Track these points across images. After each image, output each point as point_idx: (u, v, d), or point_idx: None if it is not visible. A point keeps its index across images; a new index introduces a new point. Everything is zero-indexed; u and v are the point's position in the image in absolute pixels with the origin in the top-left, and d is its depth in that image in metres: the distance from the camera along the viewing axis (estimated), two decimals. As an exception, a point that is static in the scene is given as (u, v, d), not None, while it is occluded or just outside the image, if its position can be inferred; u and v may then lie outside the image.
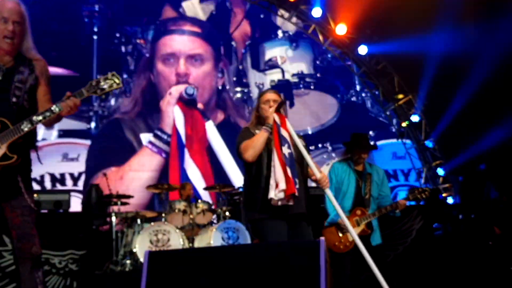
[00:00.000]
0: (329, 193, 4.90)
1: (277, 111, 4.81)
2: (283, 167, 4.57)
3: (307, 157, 4.76)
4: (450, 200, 12.74)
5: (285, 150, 4.65)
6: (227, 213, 8.85)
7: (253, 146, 4.75)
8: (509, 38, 11.03)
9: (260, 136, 4.76)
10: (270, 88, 5.08)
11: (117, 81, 4.08)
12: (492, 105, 12.14)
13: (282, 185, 4.53)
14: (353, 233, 4.96)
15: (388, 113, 13.63)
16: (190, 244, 8.44)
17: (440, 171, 13.10)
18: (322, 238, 3.52)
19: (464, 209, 11.19)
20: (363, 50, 13.04)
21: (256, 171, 4.80)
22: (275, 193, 4.57)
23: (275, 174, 4.58)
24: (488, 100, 12.09)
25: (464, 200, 11.96)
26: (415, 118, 13.14)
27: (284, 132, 4.71)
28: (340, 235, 6.15)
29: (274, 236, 4.60)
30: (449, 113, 12.36)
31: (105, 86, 4.05)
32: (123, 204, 9.08)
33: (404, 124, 13.38)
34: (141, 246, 8.15)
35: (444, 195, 12.86)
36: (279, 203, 4.60)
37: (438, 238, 9.45)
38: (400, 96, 13.20)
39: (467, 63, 11.76)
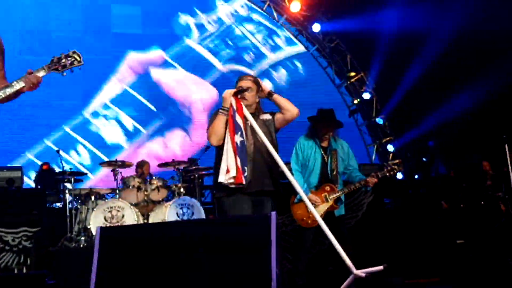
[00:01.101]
0: (291, 177, 4.99)
1: (236, 95, 4.89)
2: (235, 155, 4.69)
3: (269, 146, 4.84)
4: (399, 176, 13.04)
5: (238, 138, 4.78)
6: (181, 190, 8.90)
7: (214, 132, 4.89)
8: (460, 15, 11.25)
9: (218, 121, 4.88)
10: (247, 74, 5.19)
11: (78, 58, 4.12)
12: (442, 83, 12.41)
13: (233, 173, 4.71)
14: (313, 210, 5.09)
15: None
16: (145, 221, 8.47)
17: (390, 148, 13.37)
18: (274, 212, 3.63)
19: (413, 184, 11.47)
20: (316, 27, 13.16)
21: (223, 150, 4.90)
22: (225, 178, 4.73)
23: (228, 160, 4.72)
24: (438, 78, 12.35)
25: (412, 176, 12.26)
26: (366, 96, 13.36)
27: (238, 119, 4.81)
28: (309, 210, 6.28)
29: (237, 213, 4.71)
30: (400, 90, 12.60)
31: (67, 63, 4.08)
32: (77, 181, 9.05)
33: (355, 102, 13.59)
34: (95, 222, 8.16)
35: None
36: (230, 186, 4.77)
37: (388, 212, 9.69)
38: (352, 74, 13.39)
39: (418, 41, 11.97)
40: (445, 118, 12.16)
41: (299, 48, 12.81)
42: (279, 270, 3.48)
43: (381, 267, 4.77)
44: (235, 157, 4.71)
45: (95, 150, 10.46)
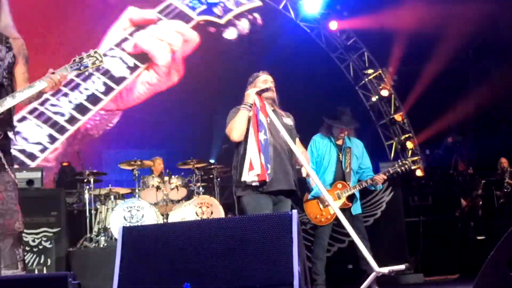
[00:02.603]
0: (310, 170, 5.00)
1: (260, 94, 4.90)
2: (259, 153, 4.70)
3: (291, 143, 4.84)
4: (418, 173, 12.97)
5: (262, 136, 4.78)
6: (200, 189, 8.92)
7: (235, 127, 4.88)
8: (477, 13, 11.19)
9: (241, 116, 4.88)
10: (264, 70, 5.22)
11: (99, 58, 4.14)
12: (460, 79, 12.35)
13: (257, 170, 4.71)
14: (336, 207, 5.08)
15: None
16: (165, 220, 8.51)
17: (409, 144, 13.31)
18: (295, 210, 3.63)
19: (432, 181, 11.40)
20: (333, 25, 13.14)
21: (244, 150, 4.91)
22: (249, 176, 4.74)
23: (252, 158, 4.74)
24: (456, 74, 12.29)
25: (431, 173, 12.19)
26: (384, 93, 13.29)
27: (262, 117, 4.82)
28: (322, 208, 6.27)
29: (256, 211, 4.71)
30: (418, 87, 12.54)
31: (88, 64, 4.10)
32: (96, 181, 9.09)
33: (374, 99, 13.54)
34: (115, 222, 8.20)
35: (412, 167, 13.08)
36: (253, 184, 4.77)
37: (408, 209, 9.63)
38: (370, 71, 13.34)
39: (436, 37, 11.91)
40: (464, 114, 12.09)
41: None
42: (301, 268, 3.48)
43: (403, 266, 4.74)
44: (259, 154, 4.72)
45: (106, 80, 11.95)
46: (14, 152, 4.16)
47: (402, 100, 13.28)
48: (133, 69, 12.20)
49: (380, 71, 13.27)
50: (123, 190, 9.17)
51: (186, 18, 12.76)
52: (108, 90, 11.80)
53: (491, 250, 3.39)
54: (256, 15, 13.33)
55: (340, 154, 6.42)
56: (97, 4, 12.44)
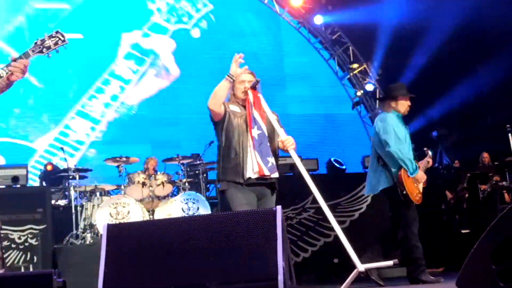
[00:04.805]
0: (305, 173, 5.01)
1: (254, 88, 4.88)
2: (253, 149, 4.76)
3: (278, 129, 4.89)
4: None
5: (255, 132, 4.79)
6: (186, 185, 8.92)
7: (214, 95, 4.80)
8: (460, 7, 11.24)
9: (221, 85, 4.81)
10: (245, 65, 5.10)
11: (61, 37, 3.99)
12: (445, 73, 12.41)
13: (256, 168, 4.75)
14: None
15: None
16: (151, 216, 8.49)
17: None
18: (279, 206, 3.64)
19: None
20: (318, 20, 13.15)
21: (226, 144, 4.90)
22: (249, 173, 4.77)
23: (250, 157, 4.78)
24: (441, 68, 12.35)
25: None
26: (369, 87, 13.33)
27: (256, 113, 4.82)
28: (416, 186, 6.28)
29: (240, 206, 4.71)
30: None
31: (51, 44, 3.97)
32: (81, 178, 9.06)
33: (359, 93, 13.57)
34: (101, 219, 8.18)
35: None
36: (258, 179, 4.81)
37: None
38: (355, 65, 13.37)
39: (420, 32, 11.97)
40: (448, 108, 12.15)
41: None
42: (285, 263, 3.50)
43: (391, 262, 4.72)
44: (254, 151, 4.76)
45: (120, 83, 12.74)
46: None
47: (387, 94, 13.31)
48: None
49: (365, 66, 13.30)
50: (108, 187, 9.14)
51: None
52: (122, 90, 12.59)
53: (475, 243, 3.42)
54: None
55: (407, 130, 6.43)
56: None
